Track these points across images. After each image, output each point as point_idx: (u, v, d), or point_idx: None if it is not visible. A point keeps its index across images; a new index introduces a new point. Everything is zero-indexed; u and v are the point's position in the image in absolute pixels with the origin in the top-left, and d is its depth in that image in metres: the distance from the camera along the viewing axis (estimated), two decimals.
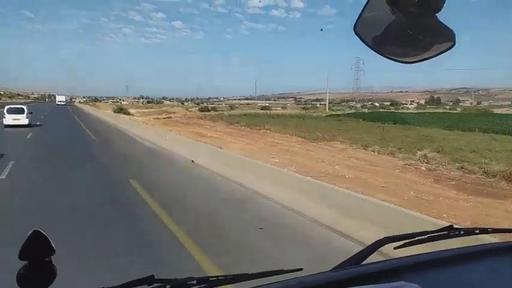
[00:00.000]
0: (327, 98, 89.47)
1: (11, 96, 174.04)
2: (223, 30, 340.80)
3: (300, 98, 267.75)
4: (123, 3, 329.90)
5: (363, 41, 0.80)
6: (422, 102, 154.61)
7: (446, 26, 0.74)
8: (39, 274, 0.80)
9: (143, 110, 57.22)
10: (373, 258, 1.11)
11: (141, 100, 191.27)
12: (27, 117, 21.86)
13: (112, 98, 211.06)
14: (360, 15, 0.78)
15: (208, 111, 56.10)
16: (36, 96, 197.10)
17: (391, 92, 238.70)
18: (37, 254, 0.79)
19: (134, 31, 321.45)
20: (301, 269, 1.00)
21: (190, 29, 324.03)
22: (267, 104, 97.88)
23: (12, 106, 23.39)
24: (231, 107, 75.43)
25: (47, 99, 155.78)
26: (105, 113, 38.96)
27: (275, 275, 0.96)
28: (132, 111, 49.59)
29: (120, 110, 48.29)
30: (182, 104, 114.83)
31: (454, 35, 0.75)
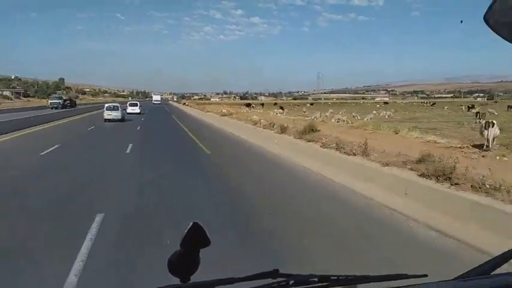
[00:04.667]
0: None
1: (95, 94, 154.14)
2: (300, 24, 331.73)
3: (392, 90, 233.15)
4: (205, 2, 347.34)
5: (494, 31, 0.78)
6: None
7: None
8: (187, 263, 0.86)
9: None
10: (503, 269, 1.00)
11: (225, 96, 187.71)
12: (139, 109, 36.16)
13: (196, 94, 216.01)
14: (492, 4, 0.76)
15: None
16: (125, 93, 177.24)
17: (501, 81, 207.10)
18: (194, 244, 0.86)
19: (214, 29, 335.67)
20: (426, 275, 0.97)
21: (268, 23, 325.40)
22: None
23: (131, 101, 40.78)
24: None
25: (131, 97, 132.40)
26: None
27: (397, 280, 0.95)
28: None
29: None
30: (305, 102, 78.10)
31: None
